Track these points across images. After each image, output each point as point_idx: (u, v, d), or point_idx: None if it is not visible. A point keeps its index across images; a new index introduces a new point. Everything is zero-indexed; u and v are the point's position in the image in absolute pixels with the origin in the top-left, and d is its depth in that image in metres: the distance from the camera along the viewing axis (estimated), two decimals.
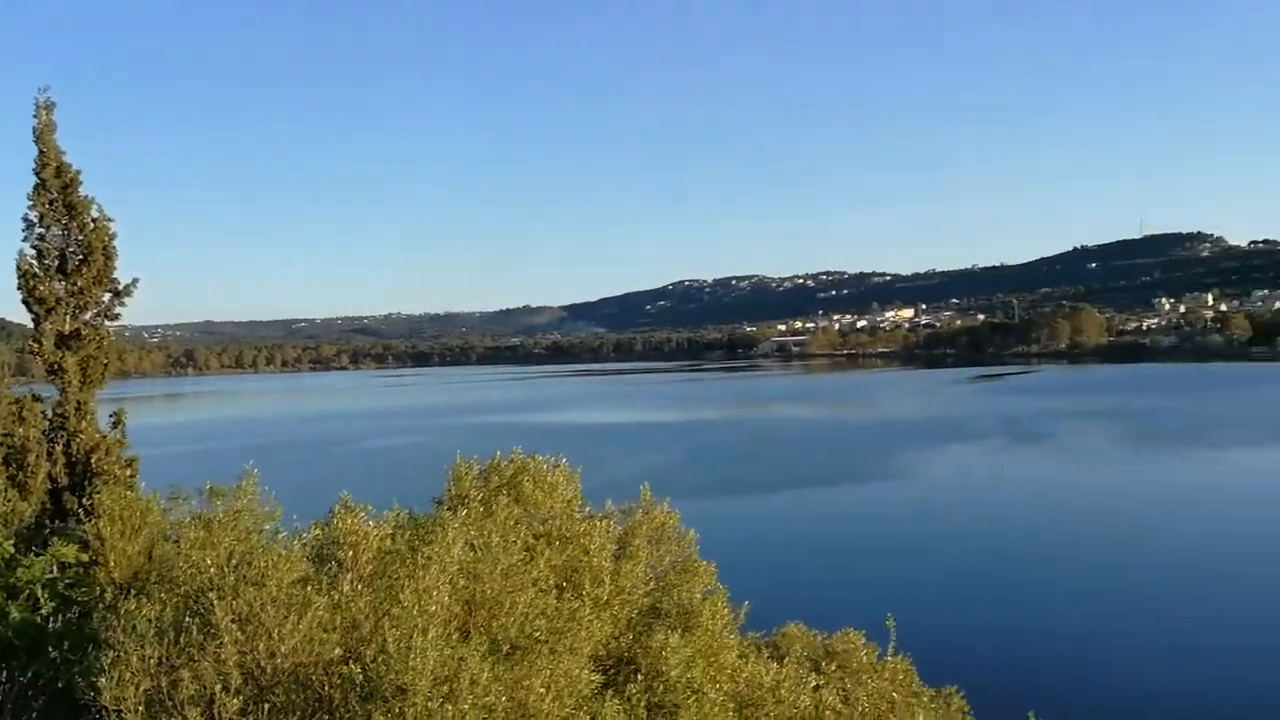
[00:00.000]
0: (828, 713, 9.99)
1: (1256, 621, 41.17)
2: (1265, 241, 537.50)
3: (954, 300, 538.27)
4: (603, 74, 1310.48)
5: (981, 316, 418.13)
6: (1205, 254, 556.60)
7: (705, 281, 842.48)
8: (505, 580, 8.79)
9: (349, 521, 8.86)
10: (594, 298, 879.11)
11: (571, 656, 8.49)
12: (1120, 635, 40.20)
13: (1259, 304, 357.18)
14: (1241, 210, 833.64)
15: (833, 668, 10.89)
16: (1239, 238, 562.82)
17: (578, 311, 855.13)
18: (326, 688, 7.74)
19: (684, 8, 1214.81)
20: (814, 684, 10.22)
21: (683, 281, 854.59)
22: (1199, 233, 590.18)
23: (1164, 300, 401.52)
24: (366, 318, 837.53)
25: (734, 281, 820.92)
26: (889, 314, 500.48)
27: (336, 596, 8.18)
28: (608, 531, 10.15)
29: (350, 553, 8.60)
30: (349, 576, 8.36)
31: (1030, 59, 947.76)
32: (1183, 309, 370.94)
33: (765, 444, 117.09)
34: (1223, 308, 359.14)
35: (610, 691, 8.57)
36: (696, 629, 9.92)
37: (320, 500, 10.02)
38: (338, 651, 7.88)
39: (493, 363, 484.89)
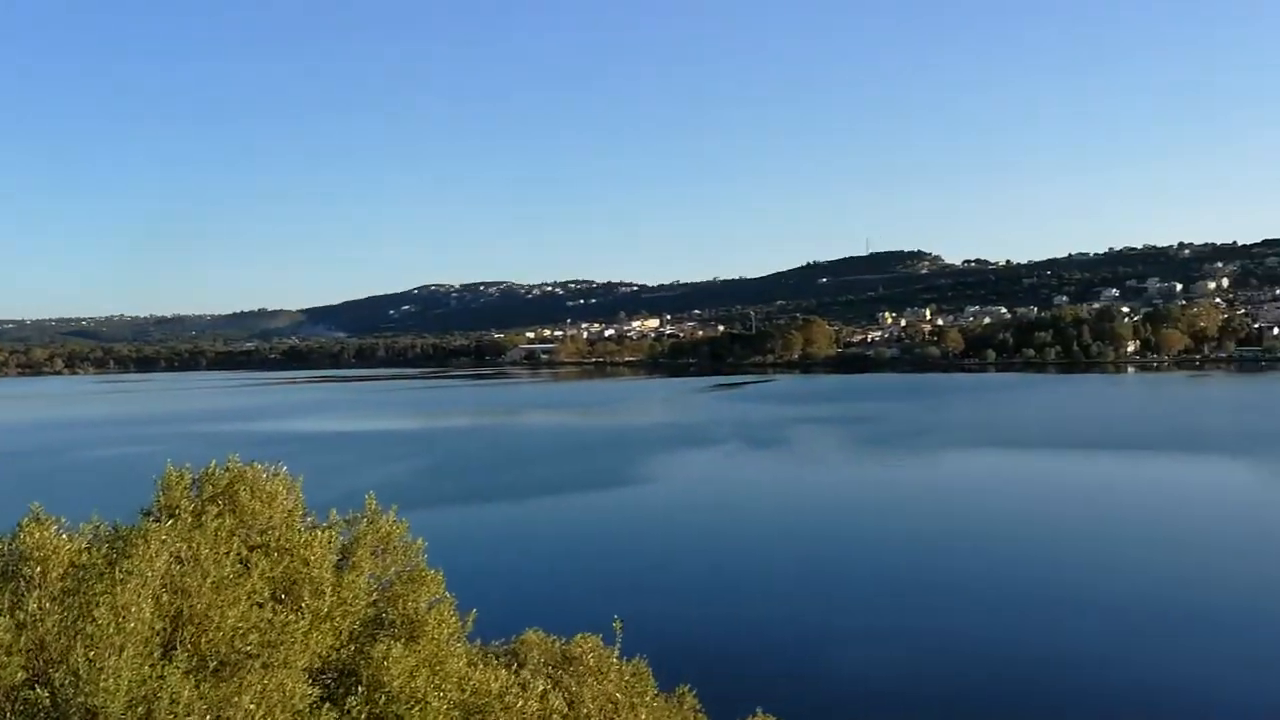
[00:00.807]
0: (555, 717, 10.04)
1: (968, 605, 44.39)
2: (976, 261, 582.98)
3: (697, 311, 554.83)
4: (344, 71, 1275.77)
5: (722, 327, 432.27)
6: (924, 272, 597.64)
7: (453, 287, 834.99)
8: (216, 594, 8.35)
9: (38, 535, 8.19)
10: (335, 301, 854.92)
11: (286, 670, 8.16)
12: (843, 628, 42.42)
13: (970, 318, 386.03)
14: (956, 232, 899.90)
15: (565, 672, 10.95)
16: (954, 257, 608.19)
17: (318, 315, 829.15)
18: (9, 715, 7.13)
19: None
20: (541, 689, 10.24)
21: (429, 286, 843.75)
22: (919, 252, 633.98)
23: (887, 314, 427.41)
24: (84, 319, 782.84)
25: (482, 287, 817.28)
26: (636, 324, 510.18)
27: (21, 616, 7.55)
28: (330, 542, 9.82)
29: (38, 568, 7.95)
30: (36, 594, 7.73)
31: (746, 91, 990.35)
32: (904, 323, 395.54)
33: (511, 452, 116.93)
34: (939, 322, 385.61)
35: (327, 705, 8.29)
36: (422, 638, 9.75)
37: (10, 515, 9.23)
38: (21, 675, 7.27)
39: (225, 368, 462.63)
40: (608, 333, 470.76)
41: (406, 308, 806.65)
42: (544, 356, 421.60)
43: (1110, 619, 42.20)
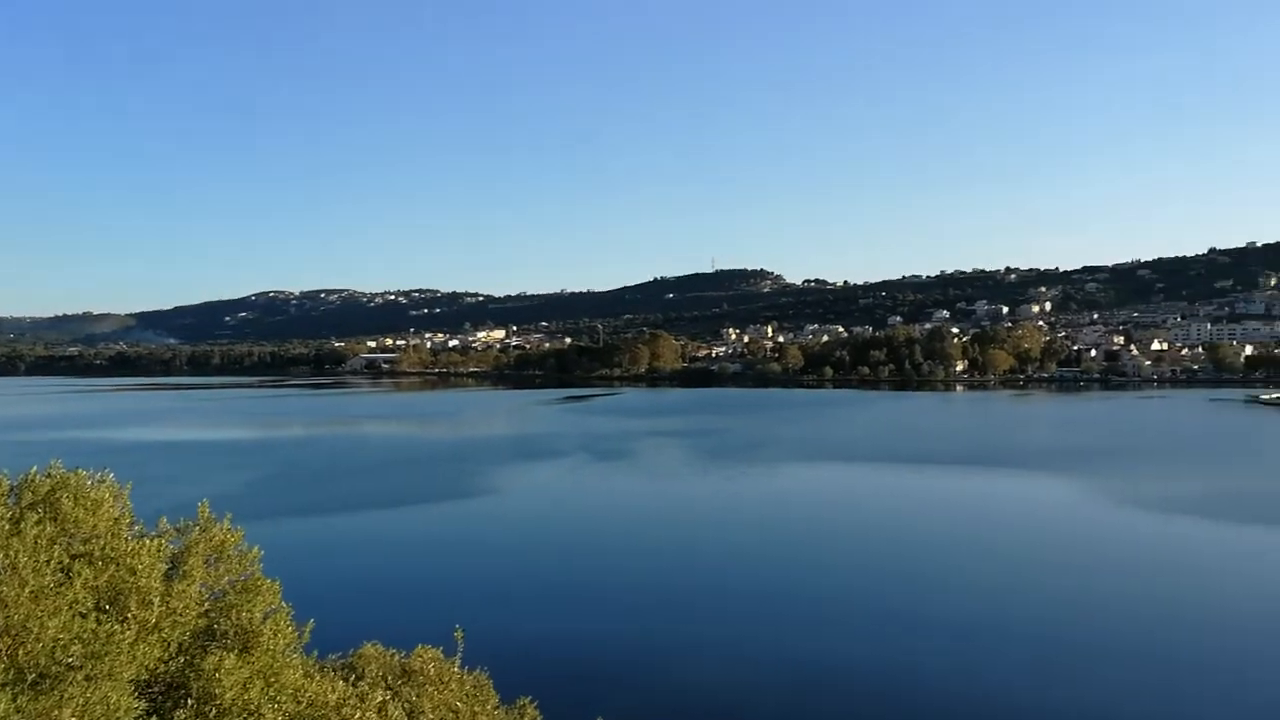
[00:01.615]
0: None
1: (804, 617, 45.45)
2: (816, 281, 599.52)
3: (544, 323, 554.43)
4: (180, 72, 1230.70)
5: (569, 340, 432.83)
6: (767, 290, 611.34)
7: (292, 294, 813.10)
8: (35, 603, 7.97)
9: None
10: (167, 306, 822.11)
11: (110, 683, 7.85)
12: (683, 639, 42.89)
13: (810, 336, 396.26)
14: (797, 253, 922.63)
15: (405, 685, 10.81)
16: (795, 277, 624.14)
17: (149, 320, 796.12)
18: None
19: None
20: (380, 700, 10.10)
21: (268, 293, 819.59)
22: (762, 271, 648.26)
23: (731, 330, 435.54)
24: None
25: (323, 295, 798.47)
26: (481, 334, 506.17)
27: None
28: (159, 551, 9.47)
29: None
30: None
31: (594, 107, 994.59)
32: (747, 339, 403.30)
33: (350, 463, 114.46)
34: (780, 339, 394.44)
35: (155, 719, 8.01)
36: (256, 649, 9.50)
37: None
38: None
39: (46, 374, 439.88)
40: (452, 343, 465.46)
41: (244, 314, 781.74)
42: (386, 366, 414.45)
43: (937, 630, 43.84)
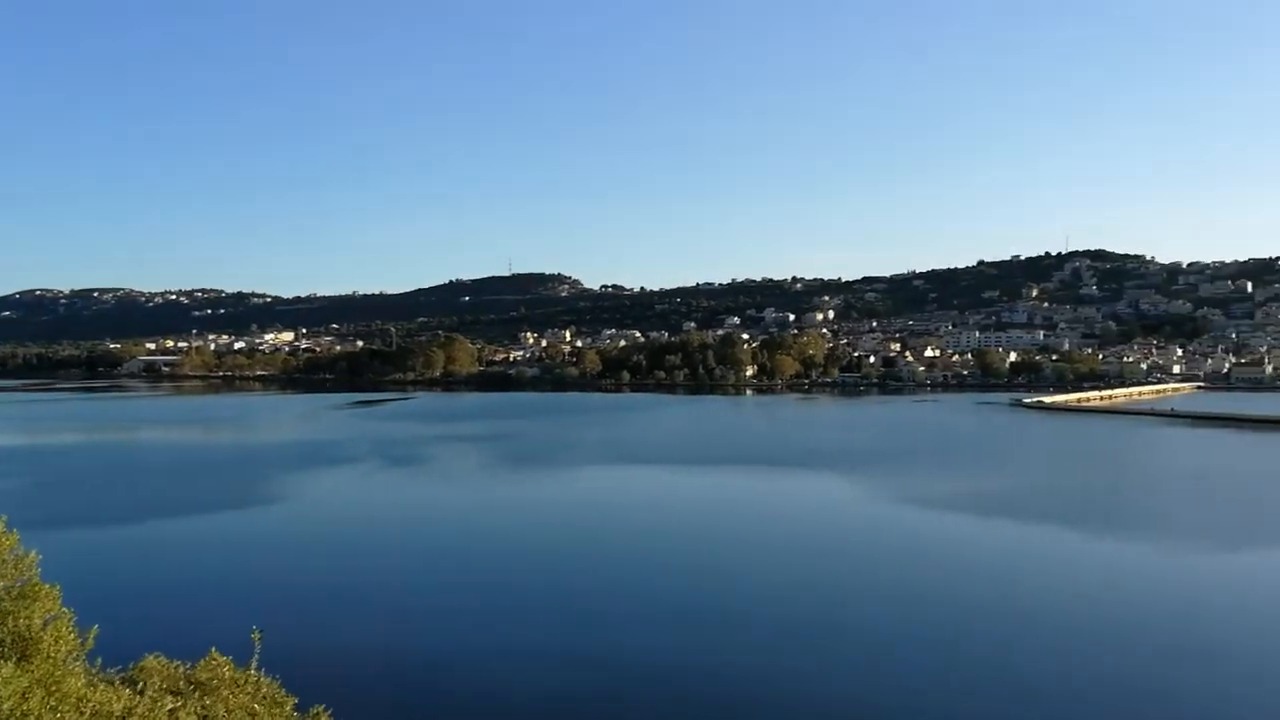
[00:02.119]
0: None
1: (601, 617, 45.94)
2: (613, 286, 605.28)
3: (335, 326, 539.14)
4: None
5: (361, 343, 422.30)
6: (564, 294, 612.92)
7: (61, 292, 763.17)
8: None
9: None
10: None
11: None
12: (476, 644, 42.70)
13: (607, 340, 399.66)
14: (594, 258, 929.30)
15: (194, 689, 10.48)
16: (593, 282, 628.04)
17: None
18: None
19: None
20: (169, 707, 9.78)
21: (34, 291, 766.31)
22: (560, 275, 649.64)
23: (529, 334, 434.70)
24: None
25: (96, 294, 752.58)
26: (268, 336, 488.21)
27: None
28: None
29: None
30: None
31: (387, 104, 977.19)
32: (544, 343, 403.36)
33: (129, 470, 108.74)
34: (578, 343, 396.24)
35: None
36: (36, 657, 9.06)
37: None
38: None
39: None
40: (238, 345, 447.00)
41: (7, 314, 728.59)
42: (166, 369, 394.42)
43: (731, 623, 45.14)
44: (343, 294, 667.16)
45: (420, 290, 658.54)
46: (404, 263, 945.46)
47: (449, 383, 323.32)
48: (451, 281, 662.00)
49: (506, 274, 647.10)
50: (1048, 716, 33.08)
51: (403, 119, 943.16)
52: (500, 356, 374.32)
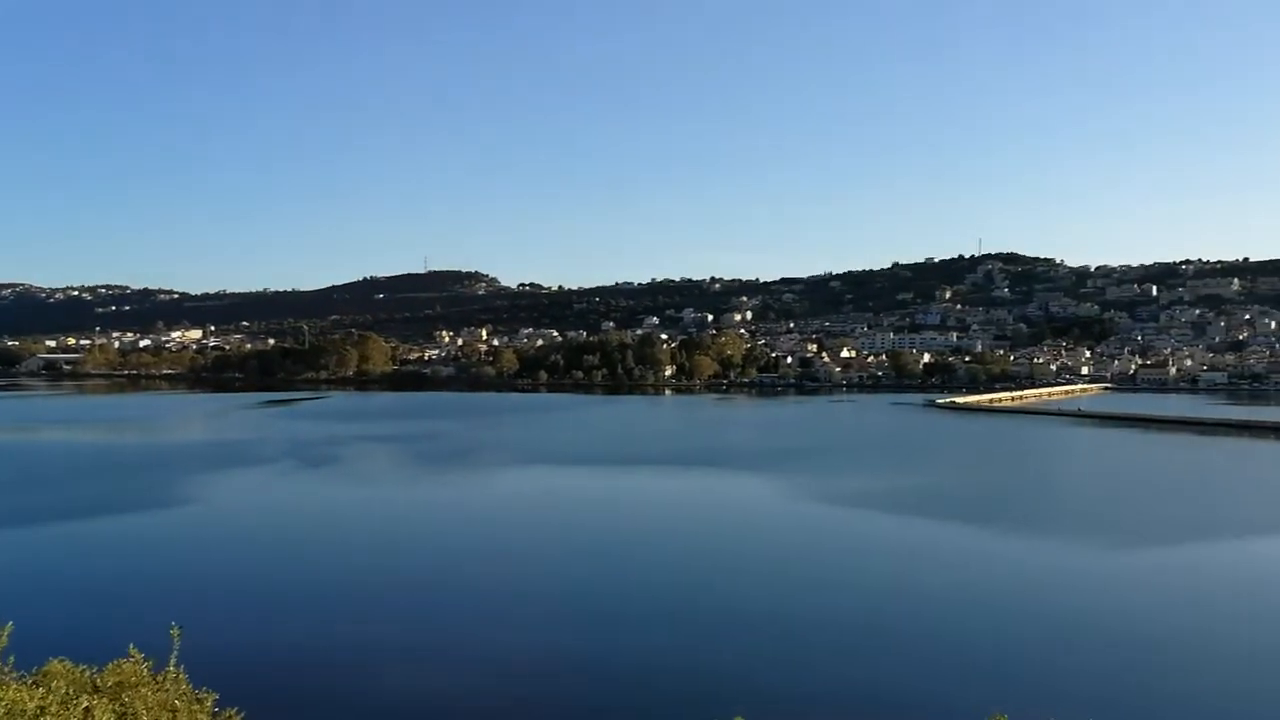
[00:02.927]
0: None
1: (519, 617, 45.58)
2: (531, 285, 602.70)
3: (245, 323, 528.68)
4: None
5: (272, 341, 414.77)
6: (481, 293, 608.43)
7: None
8: None
9: None
10: None
11: None
12: (395, 644, 42.09)
13: (524, 340, 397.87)
14: (512, 256, 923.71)
15: (110, 683, 9.96)
16: (510, 280, 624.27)
17: None
18: None
19: None
20: (85, 705, 9.27)
21: None
22: (476, 273, 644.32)
23: (445, 333, 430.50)
24: None
25: None
26: (175, 334, 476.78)
27: None
28: None
29: None
30: None
31: (302, 96, 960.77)
32: (461, 342, 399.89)
33: (28, 471, 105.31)
34: (495, 342, 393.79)
35: None
36: None
37: None
38: None
39: None
40: (143, 343, 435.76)
41: None
42: (68, 367, 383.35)
43: (651, 621, 45.08)
44: (254, 291, 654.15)
45: (334, 287, 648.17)
46: (317, 259, 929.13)
47: (363, 382, 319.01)
48: (366, 279, 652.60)
49: (422, 271, 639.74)
50: (955, 698, 33.46)
51: (316, 114, 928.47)
52: (415, 355, 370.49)
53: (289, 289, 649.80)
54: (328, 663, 39.17)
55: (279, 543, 66.27)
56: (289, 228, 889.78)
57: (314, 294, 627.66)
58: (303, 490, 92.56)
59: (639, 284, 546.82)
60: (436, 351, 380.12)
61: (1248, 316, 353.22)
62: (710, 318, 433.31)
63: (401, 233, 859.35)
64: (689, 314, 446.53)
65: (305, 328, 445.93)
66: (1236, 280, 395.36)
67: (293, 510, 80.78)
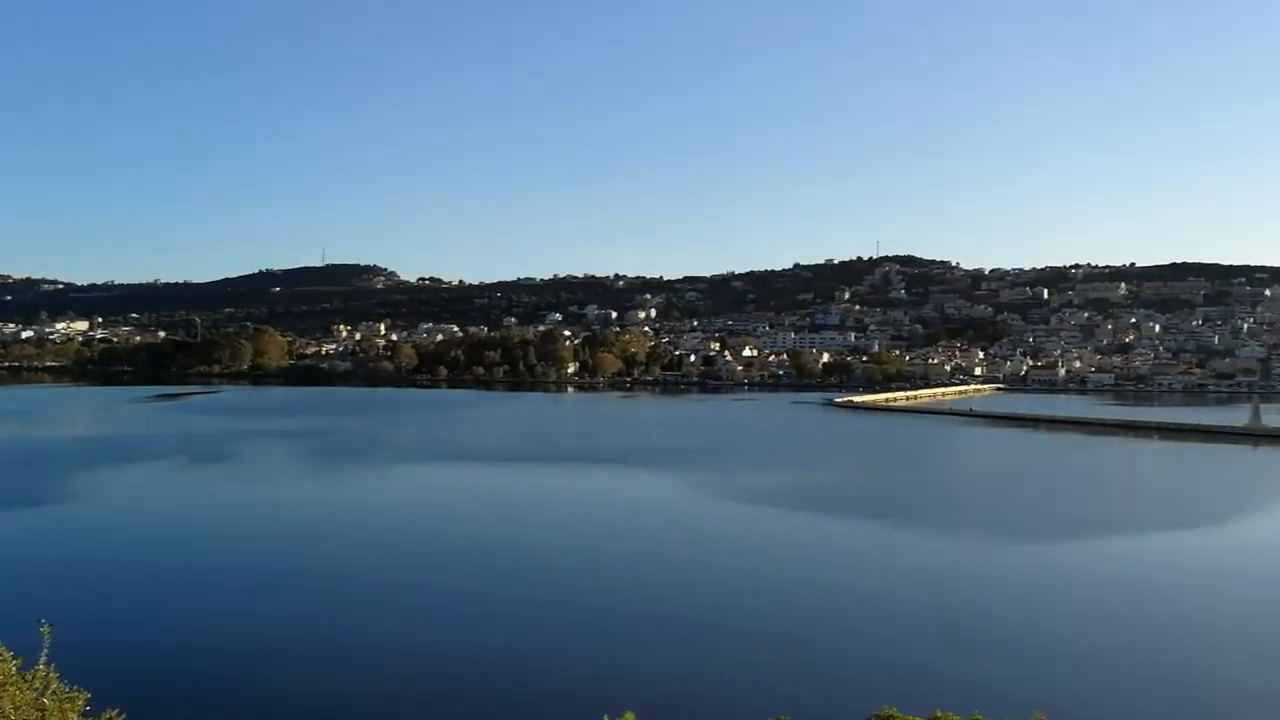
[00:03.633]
0: None
1: (410, 616, 44.76)
2: (431, 279, 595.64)
3: (134, 315, 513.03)
4: None
5: (164, 333, 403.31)
6: (380, 286, 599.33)
7: None
8: None
9: None
10: None
11: None
12: (288, 644, 41.01)
13: (424, 335, 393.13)
14: (412, 249, 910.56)
15: None
16: (410, 274, 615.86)
17: None
18: None
19: None
20: None
21: None
22: (375, 266, 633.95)
23: (342, 327, 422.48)
24: None
25: None
26: (60, 325, 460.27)
27: None
28: None
29: None
30: None
31: (201, 91, 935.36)
32: (359, 336, 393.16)
33: None
34: (394, 337, 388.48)
35: None
36: None
37: None
38: None
39: None
40: (25, 334, 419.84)
41: None
42: None
43: (539, 623, 44.66)
44: (143, 282, 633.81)
45: (228, 279, 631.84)
46: (211, 250, 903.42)
47: (258, 376, 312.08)
48: (261, 271, 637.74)
49: (320, 264, 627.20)
50: (853, 694, 33.69)
51: (209, 103, 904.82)
52: (312, 350, 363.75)
53: (181, 280, 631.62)
54: (213, 662, 37.97)
55: (165, 541, 64.18)
56: (181, 218, 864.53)
57: (207, 286, 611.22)
58: (193, 487, 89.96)
59: (542, 280, 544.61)
60: (334, 346, 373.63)
61: (1134, 320, 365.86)
62: (614, 315, 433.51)
63: (299, 225, 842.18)
64: (592, 311, 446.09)
65: (198, 320, 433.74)
66: (1123, 285, 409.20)
67: (181, 507, 78.34)
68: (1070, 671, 37.71)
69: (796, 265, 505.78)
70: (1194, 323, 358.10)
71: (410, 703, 34.41)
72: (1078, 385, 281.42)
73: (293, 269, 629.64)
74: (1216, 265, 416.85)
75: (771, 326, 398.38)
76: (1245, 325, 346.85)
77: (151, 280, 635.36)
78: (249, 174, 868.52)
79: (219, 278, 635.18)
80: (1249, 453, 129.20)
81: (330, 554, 59.36)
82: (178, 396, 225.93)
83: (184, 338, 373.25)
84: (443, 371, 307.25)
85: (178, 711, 30.95)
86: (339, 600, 48.02)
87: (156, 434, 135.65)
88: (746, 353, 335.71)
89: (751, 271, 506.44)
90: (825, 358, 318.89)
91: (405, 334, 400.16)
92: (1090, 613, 47.35)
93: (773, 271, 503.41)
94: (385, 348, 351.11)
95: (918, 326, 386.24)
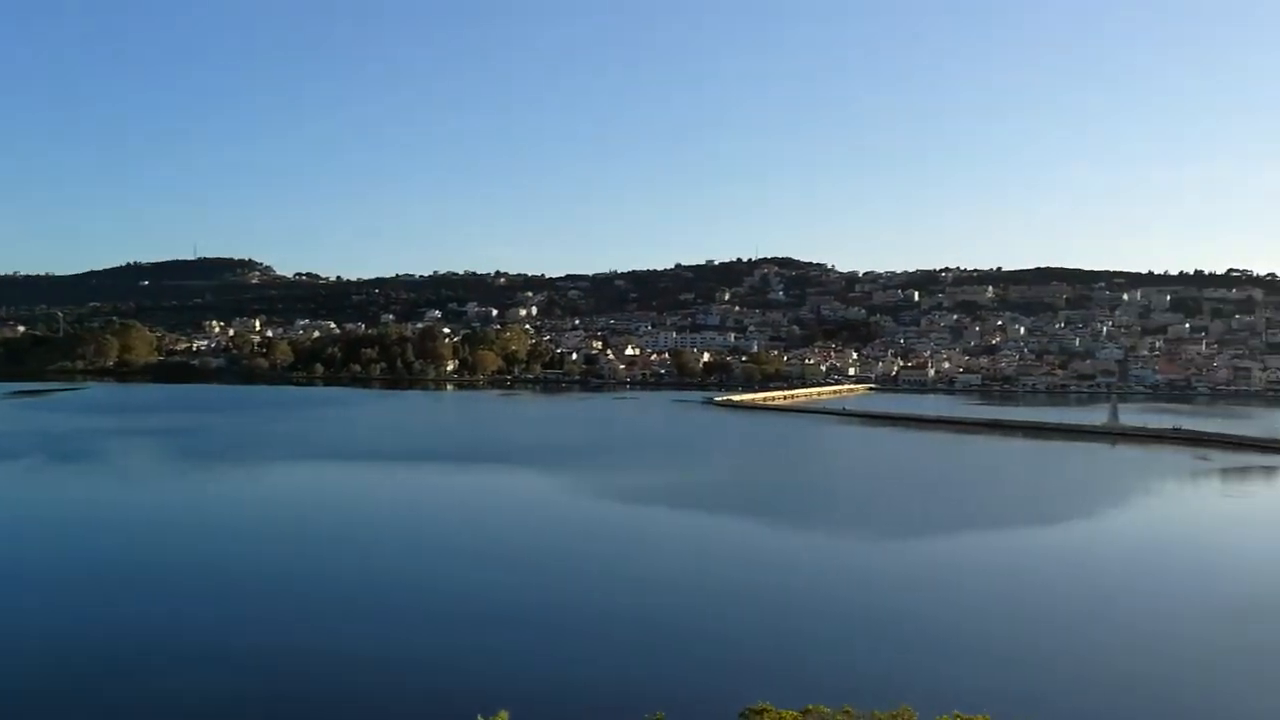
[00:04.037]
0: None
1: (282, 613, 43.92)
2: (308, 275, 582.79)
3: None
4: None
5: (23, 328, 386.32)
6: (255, 282, 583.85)
7: None
8: None
9: None
10: None
11: None
12: (150, 644, 39.90)
13: (300, 332, 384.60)
14: (287, 244, 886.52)
15: None
16: (285, 270, 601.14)
17: None
18: None
19: None
20: None
21: None
22: (249, 260, 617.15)
23: (215, 323, 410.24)
24: None
25: None
26: None
27: None
28: None
29: None
30: None
31: (65, 83, 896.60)
32: (232, 332, 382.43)
33: None
34: (269, 334, 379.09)
35: None
36: None
37: None
38: None
39: None
40: None
41: None
42: None
43: (412, 619, 44.32)
44: (2, 274, 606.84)
45: (93, 273, 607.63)
46: (74, 241, 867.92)
47: (124, 373, 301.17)
48: (129, 264, 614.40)
49: (191, 258, 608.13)
50: (725, 689, 34.37)
51: (74, 90, 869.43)
52: (183, 346, 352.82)
53: (42, 273, 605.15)
54: (65, 659, 36.75)
55: (20, 539, 61.69)
56: (44, 208, 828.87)
57: (70, 279, 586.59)
58: (51, 487, 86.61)
59: (421, 276, 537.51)
60: (206, 342, 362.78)
61: (1000, 322, 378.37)
62: (495, 312, 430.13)
63: (169, 217, 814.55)
64: (473, 308, 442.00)
65: (60, 315, 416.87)
66: (991, 288, 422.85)
67: (38, 507, 75.35)
68: (936, 662, 38.96)
69: (678, 265, 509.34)
70: (1057, 325, 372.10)
71: (274, 700, 33.77)
72: (946, 385, 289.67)
73: (162, 262, 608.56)
74: (1078, 270, 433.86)
75: (653, 326, 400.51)
76: (1104, 328, 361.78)
77: (11, 272, 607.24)
78: (116, 163, 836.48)
79: (83, 270, 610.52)
80: (1107, 450, 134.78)
81: (191, 554, 57.72)
82: (38, 394, 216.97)
83: (45, 333, 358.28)
84: (319, 369, 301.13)
85: (36, 714, 29.89)
86: (197, 598, 46.77)
87: (15, 431, 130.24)
88: (629, 352, 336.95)
89: (634, 271, 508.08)
90: (706, 357, 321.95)
91: (281, 330, 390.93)
92: (959, 603, 48.97)
93: (655, 271, 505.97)
94: (260, 344, 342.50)
95: (795, 327, 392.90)
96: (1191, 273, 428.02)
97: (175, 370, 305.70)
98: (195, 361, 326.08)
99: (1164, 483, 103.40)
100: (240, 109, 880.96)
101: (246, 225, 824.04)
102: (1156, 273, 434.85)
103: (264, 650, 39.28)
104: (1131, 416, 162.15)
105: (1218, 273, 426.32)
